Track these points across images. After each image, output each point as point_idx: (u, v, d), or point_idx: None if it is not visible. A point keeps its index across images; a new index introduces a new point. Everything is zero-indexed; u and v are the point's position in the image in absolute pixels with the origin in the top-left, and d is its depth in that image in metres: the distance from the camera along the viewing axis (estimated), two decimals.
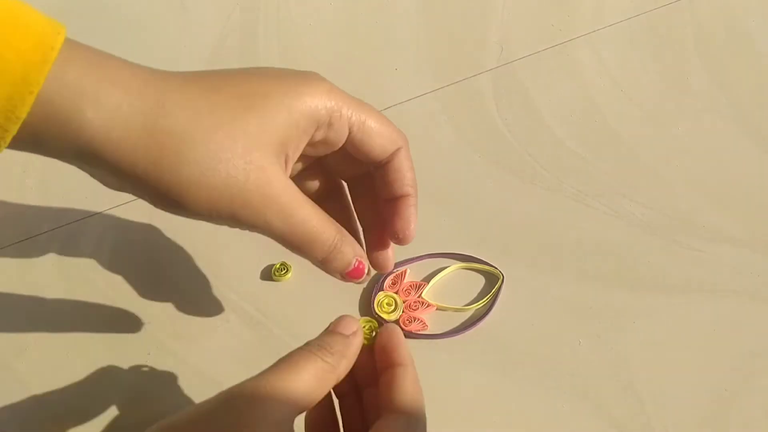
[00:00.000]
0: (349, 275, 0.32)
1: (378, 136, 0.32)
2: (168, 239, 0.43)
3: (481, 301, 0.40)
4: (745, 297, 0.41)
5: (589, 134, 0.47)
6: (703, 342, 0.40)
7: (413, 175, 0.33)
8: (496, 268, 0.41)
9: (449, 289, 0.41)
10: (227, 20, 0.50)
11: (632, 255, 0.42)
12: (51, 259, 0.42)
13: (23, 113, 0.25)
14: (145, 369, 0.39)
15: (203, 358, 0.39)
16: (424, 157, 0.46)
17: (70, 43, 0.26)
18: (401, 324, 0.39)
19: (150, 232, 0.43)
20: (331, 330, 0.31)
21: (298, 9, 0.51)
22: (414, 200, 0.33)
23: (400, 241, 0.33)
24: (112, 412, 0.37)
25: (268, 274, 0.41)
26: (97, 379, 0.38)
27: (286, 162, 0.30)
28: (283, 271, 0.41)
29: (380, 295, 0.40)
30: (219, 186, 0.28)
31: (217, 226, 0.42)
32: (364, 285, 0.40)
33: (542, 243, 0.43)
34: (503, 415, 0.36)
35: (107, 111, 0.27)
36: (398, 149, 0.33)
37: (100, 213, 0.43)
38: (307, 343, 0.30)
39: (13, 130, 0.26)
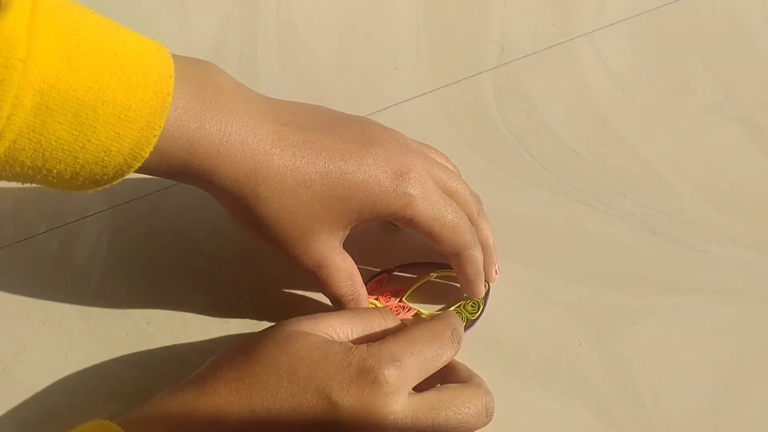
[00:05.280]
0: None
1: (441, 241, 0.37)
2: (167, 239, 0.43)
3: (455, 305, 0.41)
4: (745, 297, 0.41)
5: (589, 134, 0.47)
6: (703, 342, 0.40)
7: (474, 270, 0.38)
8: None
9: (430, 293, 0.41)
10: (227, 19, 0.50)
11: (632, 255, 0.42)
12: (50, 258, 0.42)
13: (147, 153, 0.30)
14: (145, 369, 0.39)
15: (203, 358, 0.39)
16: None
17: (178, 85, 0.31)
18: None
19: (149, 231, 0.43)
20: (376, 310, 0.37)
21: (298, 8, 0.51)
22: (478, 284, 0.39)
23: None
24: (112, 412, 0.37)
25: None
26: (97, 379, 0.38)
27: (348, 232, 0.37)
28: (395, 226, 0.42)
29: None
30: (278, 229, 0.34)
31: (217, 230, 0.42)
32: None
33: (542, 243, 0.43)
34: (503, 415, 0.36)
35: (205, 154, 0.32)
36: (459, 254, 0.37)
37: (98, 213, 0.43)
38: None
39: (136, 166, 0.31)
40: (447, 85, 0.48)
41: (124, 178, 0.31)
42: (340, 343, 0.33)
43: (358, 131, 0.36)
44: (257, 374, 0.31)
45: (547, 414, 0.38)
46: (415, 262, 0.42)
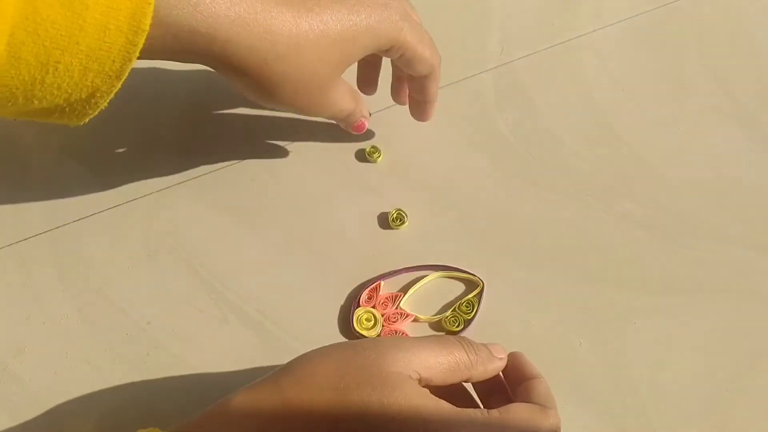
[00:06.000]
0: (354, 129, 0.43)
1: (418, 64, 0.40)
2: (167, 239, 0.43)
3: (452, 308, 0.41)
4: (745, 297, 0.41)
5: (589, 134, 0.47)
6: (703, 342, 0.40)
7: (437, 87, 0.42)
8: (475, 275, 0.41)
9: (427, 298, 0.41)
10: None
11: (632, 255, 0.42)
12: (49, 258, 0.42)
13: (146, 25, 0.29)
14: (145, 369, 0.39)
15: (203, 358, 0.39)
16: (424, 156, 0.46)
17: None
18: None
19: (148, 231, 0.43)
20: (486, 345, 0.34)
21: None
22: (434, 106, 0.44)
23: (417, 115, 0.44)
24: (112, 412, 0.37)
25: (385, 222, 0.43)
26: (96, 379, 0.38)
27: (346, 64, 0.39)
28: (398, 222, 0.43)
29: (359, 312, 0.40)
30: (299, 84, 0.36)
31: (218, 226, 0.42)
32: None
33: (542, 243, 0.43)
34: None
35: (212, 16, 0.32)
36: (431, 73, 0.41)
37: (98, 213, 0.43)
38: (463, 337, 0.34)
39: (140, 42, 0.30)
40: (447, 85, 0.48)
41: (133, 63, 0.30)
42: (462, 411, 0.30)
43: None
44: (350, 416, 0.29)
45: None
46: (408, 267, 0.42)
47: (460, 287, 0.42)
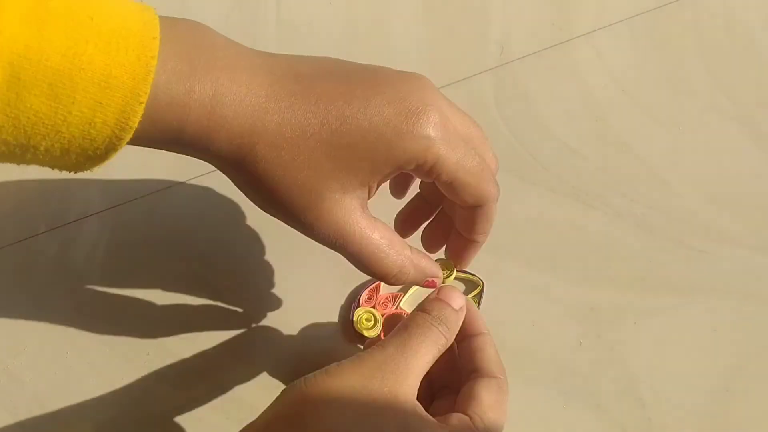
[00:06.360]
0: (425, 285, 0.35)
1: (463, 192, 0.32)
2: (167, 239, 0.43)
3: None
4: (745, 297, 0.41)
5: (589, 134, 0.47)
6: (703, 342, 0.40)
7: (489, 227, 0.34)
8: (475, 275, 0.41)
9: (425, 296, 0.41)
10: (227, 19, 0.50)
11: (632, 255, 0.42)
12: (49, 258, 0.42)
13: (135, 123, 0.28)
14: (145, 369, 0.39)
15: (203, 359, 0.39)
16: None
17: (164, 46, 0.28)
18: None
19: (149, 231, 0.43)
20: (443, 301, 0.33)
21: (298, 8, 0.51)
22: (479, 247, 0.35)
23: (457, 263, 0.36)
24: (112, 412, 0.37)
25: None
26: (97, 379, 0.38)
27: (369, 191, 0.32)
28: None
29: (359, 312, 0.40)
30: (284, 190, 0.30)
31: (217, 230, 0.42)
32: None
33: (542, 243, 0.43)
34: None
35: (200, 116, 0.29)
36: (480, 207, 0.33)
37: (98, 213, 0.43)
38: (427, 312, 0.32)
39: (127, 137, 0.28)
40: (447, 85, 0.48)
41: (118, 151, 0.29)
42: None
43: (366, 74, 0.31)
44: None
45: (547, 414, 0.38)
46: None
47: (460, 287, 0.42)
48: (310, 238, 0.32)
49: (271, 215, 0.32)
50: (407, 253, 0.32)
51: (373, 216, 0.32)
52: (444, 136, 0.30)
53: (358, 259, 0.31)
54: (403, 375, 0.31)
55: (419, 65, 0.49)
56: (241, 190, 0.32)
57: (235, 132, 0.29)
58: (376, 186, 0.32)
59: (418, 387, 0.31)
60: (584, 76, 0.49)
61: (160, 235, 0.43)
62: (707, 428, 0.37)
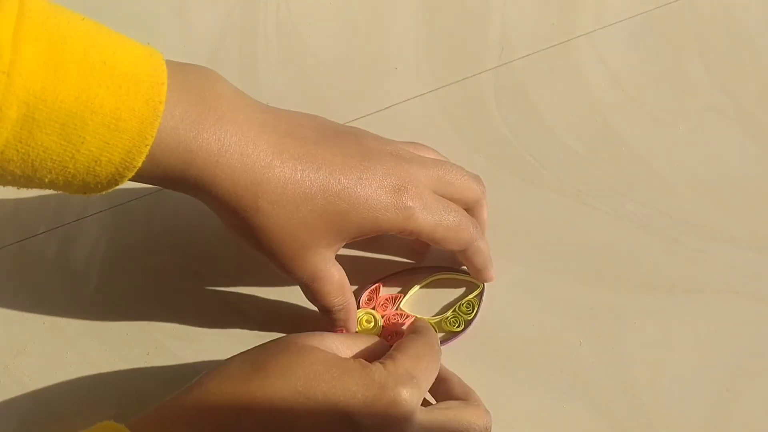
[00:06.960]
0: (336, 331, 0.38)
1: (445, 243, 0.37)
2: (167, 239, 0.43)
3: (455, 310, 0.41)
4: (745, 297, 0.41)
5: (589, 134, 0.47)
6: (703, 342, 0.40)
7: (481, 260, 0.39)
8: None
9: (427, 299, 0.41)
10: (227, 19, 0.50)
11: (632, 255, 0.42)
12: (49, 258, 0.42)
13: (139, 163, 0.30)
14: (145, 369, 0.39)
15: (203, 358, 0.39)
16: None
17: (173, 92, 0.30)
18: (383, 339, 0.39)
19: (149, 231, 0.43)
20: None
21: (298, 8, 0.51)
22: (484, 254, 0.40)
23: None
24: (112, 412, 0.37)
25: None
26: (96, 379, 0.38)
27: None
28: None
29: (359, 313, 0.40)
30: (277, 240, 0.34)
31: (217, 230, 0.42)
32: None
33: (542, 243, 0.43)
34: (503, 415, 0.36)
35: (202, 162, 0.31)
36: (466, 249, 0.38)
37: (98, 213, 0.43)
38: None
39: (129, 175, 0.30)
40: (447, 85, 0.48)
41: (119, 186, 0.31)
42: (355, 360, 0.32)
43: (354, 144, 0.36)
44: (269, 387, 0.30)
45: (547, 414, 0.38)
46: (407, 268, 0.42)
47: (461, 288, 0.42)
48: (283, 275, 0.35)
49: (252, 252, 0.35)
50: (350, 299, 0.37)
51: (336, 262, 0.36)
52: (421, 204, 0.35)
53: (315, 296, 0.36)
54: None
55: (419, 65, 0.49)
56: (229, 230, 0.35)
57: (240, 182, 0.32)
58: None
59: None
60: (584, 76, 0.49)
61: (160, 235, 0.43)
62: (707, 428, 0.37)
